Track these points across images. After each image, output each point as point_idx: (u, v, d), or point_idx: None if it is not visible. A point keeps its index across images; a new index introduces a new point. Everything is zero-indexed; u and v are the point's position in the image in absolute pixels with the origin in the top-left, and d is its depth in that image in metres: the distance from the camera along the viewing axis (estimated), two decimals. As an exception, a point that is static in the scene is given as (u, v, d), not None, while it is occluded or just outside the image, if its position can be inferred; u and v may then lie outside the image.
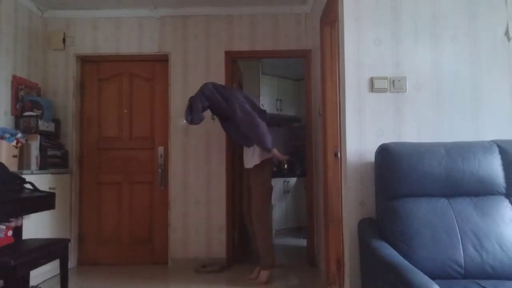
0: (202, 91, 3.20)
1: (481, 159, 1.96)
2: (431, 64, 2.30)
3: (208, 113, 3.37)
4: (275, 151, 3.16)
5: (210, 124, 3.84)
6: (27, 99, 3.55)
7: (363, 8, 2.32)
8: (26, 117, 3.42)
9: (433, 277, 1.56)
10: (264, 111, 3.44)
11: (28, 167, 3.25)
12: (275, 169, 5.75)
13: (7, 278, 2.10)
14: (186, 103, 3.84)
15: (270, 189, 3.34)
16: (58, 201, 2.88)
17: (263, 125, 3.12)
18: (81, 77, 3.98)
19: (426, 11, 2.32)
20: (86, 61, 4.00)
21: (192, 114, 3.19)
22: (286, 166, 5.98)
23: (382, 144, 2.08)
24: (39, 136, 3.39)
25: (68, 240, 2.75)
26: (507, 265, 1.79)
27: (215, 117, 3.39)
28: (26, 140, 3.29)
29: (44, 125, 3.50)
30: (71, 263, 3.67)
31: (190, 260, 3.70)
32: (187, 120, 3.23)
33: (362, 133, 2.27)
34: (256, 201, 3.26)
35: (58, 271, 2.68)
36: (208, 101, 3.18)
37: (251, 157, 3.26)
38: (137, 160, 3.94)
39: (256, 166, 3.24)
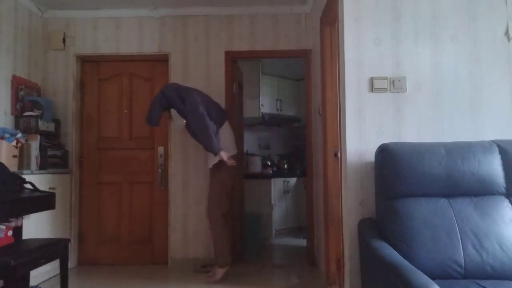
0: (163, 91, 3.23)
1: (481, 159, 1.96)
2: (431, 64, 2.30)
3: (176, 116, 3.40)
4: (222, 154, 3.11)
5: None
6: (27, 99, 3.55)
7: (363, 8, 2.32)
8: (26, 117, 3.42)
9: (433, 277, 1.57)
10: (224, 111, 3.42)
11: (28, 167, 3.25)
12: (275, 169, 5.76)
13: (7, 278, 2.09)
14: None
15: (227, 190, 3.27)
16: (58, 201, 2.88)
17: (210, 128, 3.07)
18: (81, 77, 3.98)
19: (426, 11, 2.32)
20: (86, 61, 4.00)
21: (150, 115, 3.21)
22: (286, 166, 5.99)
23: (382, 144, 2.08)
24: (39, 136, 3.38)
25: (68, 240, 2.75)
26: (507, 265, 1.79)
27: (173, 118, 3.38)
28: (26, 140, 3.29)
29: (44, 125, 3.50)
30: (71, 263, 3.67)
31: (190, 260, 3.70)
32: (146, 122, 3.28)
33: (362, 133, 2.27)
34: (211, 201, 3.25)
35: (58, 271, 2.67)
36: (168, 102, 3.21)
37: (210, 157, 3.24)
38: (137, 160, 3.94)
39: (214, 165, 3.22)
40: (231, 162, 3.17)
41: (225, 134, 3.29)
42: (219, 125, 3.25)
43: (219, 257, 3.22)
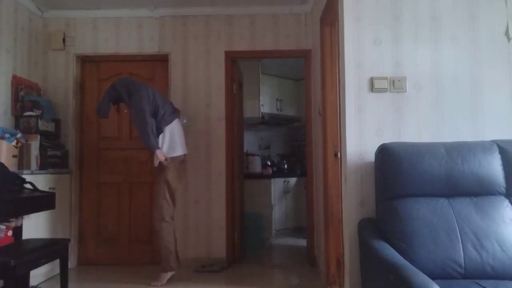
0: (114, 84, 3.23)
1: (481, 159, 1.96)
2: (431, 64, 2.30)
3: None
4: (157, 153, 3.07)
5: (211, 124, 3.85)
6: (27, 99, 3.55)
7: (363, 8, 2.32)
8: (26, 117, 3.42)
9: (433, 277, 1.56)
10: (176, 110, 3.38)
11: (28, 167, 3.25)
12: (275, 169, 5.76)
13: (7, 278, 2.10)
14: (186, 103, 3.88)
15: (173, 192, 3.22)
16: (58, 201, 2.88)
17: (148, 125, 3.04)
18: (81, 77, 3.98)
19: (426, 11, 2.32)
20: (86, 61, 4.00)
21: (99, 107, 3.21)
22: (286, 166, 5.99)
23: (382, 144, 2.08)
24: (39, 136, 3.38)
25: (68, 240, 2.75)
26: (507, 265, 1.79)
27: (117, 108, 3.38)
28: (26, 140, 3.29)
29: (44, 125, 3.50)
30: (71, 263, 3.66)
31: (190, 260, 3.70)
32: (96, 113, 3.28)
33: (362, 133, 2.27)
34: (157, 205, 3.18)
35: (58, 271, 2.68)
36: (117, 95, 3.20)
37: (154, 155, 3.16)
38: (137, 160, 3.93)
39: (160, 164, 3.15)
40: (166, 163, 3.11)
41: (174, 133, 3.23)
42: (167, 123, 3.19)
43: (164, 262, 3.17)
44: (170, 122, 3.23)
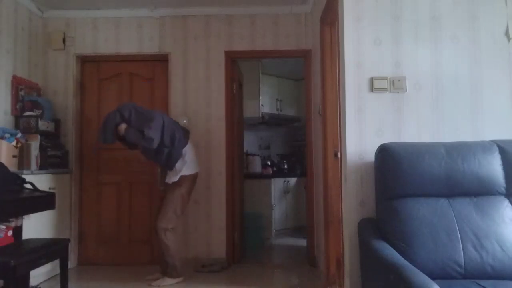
0: (118, 109, 3.19)
1: (481, 159, 1.96)
2: (431, 64, 2.30)
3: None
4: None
5: (210, 123, 3.85)
6: (27, 99, 3.55)
7: (363, 8, 2.32)
8: (26, 117, 3.42)
9: (433, 277, 1.56)
10: (187, 130, 3.44)
11: (28, 167, 3.24)
12: (275, 169, 5.76)
13: (7, 278, 2.10)
14: (186, 103, 3.87)
15: (184, 206, 3.32)
16: (58, 201, 2.88)
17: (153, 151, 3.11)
18: (81, 77, 3.98)
19: (426, 11, 2.32)
20: (86, 61, 4.00)
21: (105, 133, 3.18)
22: (286, 166, 5.99)
23: (382, 144, 2.08)
24: (39, 136, 3.38)
25: (68, 240, 2.75)
26: (507, 265, 1.79)
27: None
28: (26, 140, 3.29)
29: (44, 125, 3.50)
30: (71, 263, 3.66)
31: (190, 260, 3.70)
32: (99, 140, 3.23)
33: (362, 133, 2.27)
34: (165, 214, 3.21)
35: (58, 271, 2.68)
36: (122, 120, 3.15)
37: (170, 173, 3.28)
38: (137, 160, 3.91)
39: (178, 179, 3.24)
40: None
41: (190, 153, 3.31)
42: (184, 144, 3.26)
43: (171, 269, 3.21)
44: (187, 144, 3.29)
